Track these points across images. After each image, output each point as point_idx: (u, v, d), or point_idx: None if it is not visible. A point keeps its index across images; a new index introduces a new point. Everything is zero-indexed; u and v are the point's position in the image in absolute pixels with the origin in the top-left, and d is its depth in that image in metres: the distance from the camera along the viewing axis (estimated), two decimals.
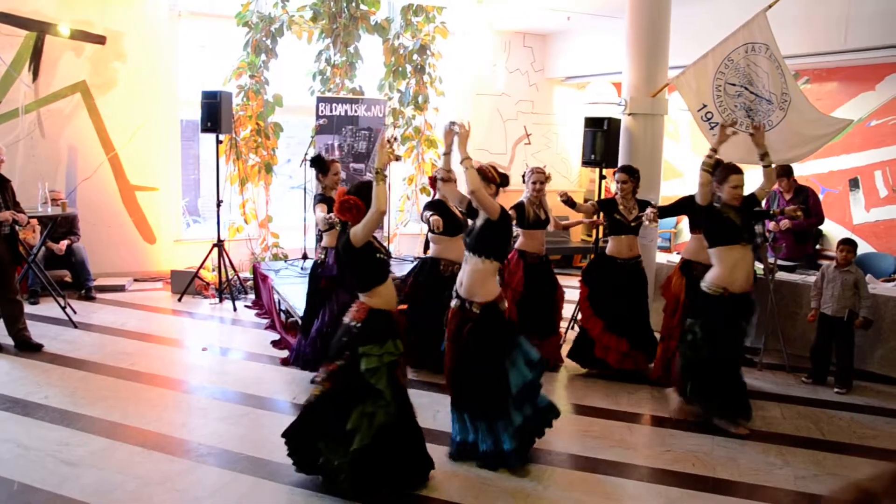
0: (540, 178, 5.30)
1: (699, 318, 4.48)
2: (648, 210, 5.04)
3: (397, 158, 3.69)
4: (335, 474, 3.45)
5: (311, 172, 7.81)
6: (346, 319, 3.54)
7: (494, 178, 3.93)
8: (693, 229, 5.36)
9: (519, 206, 5.33)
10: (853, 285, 5.25)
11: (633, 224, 5.35)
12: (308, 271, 7.26)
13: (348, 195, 3.47)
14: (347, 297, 4.97)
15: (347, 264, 3.54)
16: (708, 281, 4.45)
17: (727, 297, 4.36)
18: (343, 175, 5.60)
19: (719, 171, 4.47)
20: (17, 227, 5.55)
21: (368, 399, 3.39)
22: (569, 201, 5.30)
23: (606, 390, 5.16)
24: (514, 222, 4.88)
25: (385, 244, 8.24)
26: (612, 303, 5.33)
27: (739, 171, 4.47)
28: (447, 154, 4.11)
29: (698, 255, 5.13)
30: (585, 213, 5.69)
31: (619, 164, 5.64)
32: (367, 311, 3.47)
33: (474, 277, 3.79)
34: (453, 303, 3.92)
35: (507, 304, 3.98)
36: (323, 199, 5.08)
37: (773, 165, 4.48)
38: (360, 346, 3.40)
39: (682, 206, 5.20)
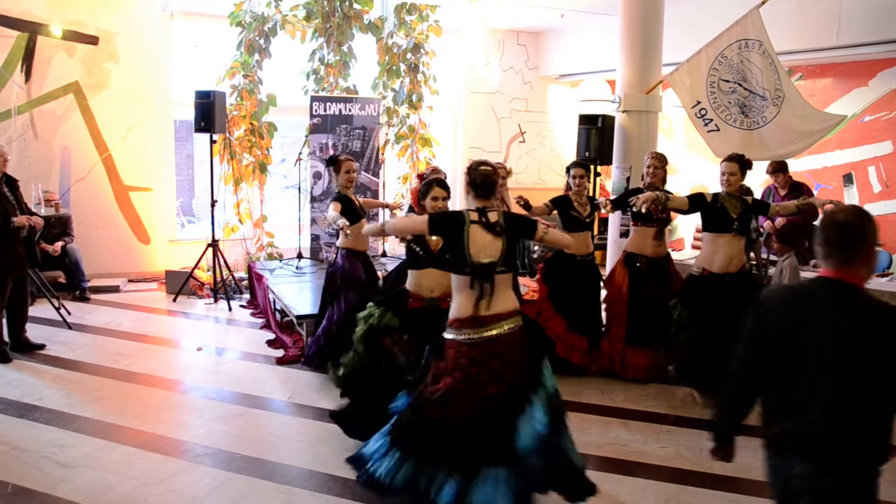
0: (500, 173, 5.27)
1: (680, 296, 4.88)
2: (602, 198, 5.32)
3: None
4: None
5: (306, 172, 7.91)
6: None
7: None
8: (636, 222, 5.35)
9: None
10: None
11: (588, 220, 5.37)
12: (303, 270, 7.40)
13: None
14: (354, 298, 5.00)
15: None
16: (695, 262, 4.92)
17: (706, 277, 4.72)
18: None
19: None
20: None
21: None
22: (525, 205, 5.26)
23: (601, 387, 5.16)
24: None
25: (381, 242, 8.28)
26: (572, 301, 5.30)
27: (729, 159, 4.71)
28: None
29: (642, 248, 5.28)
30: (540, 214, 5.63)
31: (574, 160, 5.62)
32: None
33: None
34: None
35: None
36: (338, 197, 5.03)
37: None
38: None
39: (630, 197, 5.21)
